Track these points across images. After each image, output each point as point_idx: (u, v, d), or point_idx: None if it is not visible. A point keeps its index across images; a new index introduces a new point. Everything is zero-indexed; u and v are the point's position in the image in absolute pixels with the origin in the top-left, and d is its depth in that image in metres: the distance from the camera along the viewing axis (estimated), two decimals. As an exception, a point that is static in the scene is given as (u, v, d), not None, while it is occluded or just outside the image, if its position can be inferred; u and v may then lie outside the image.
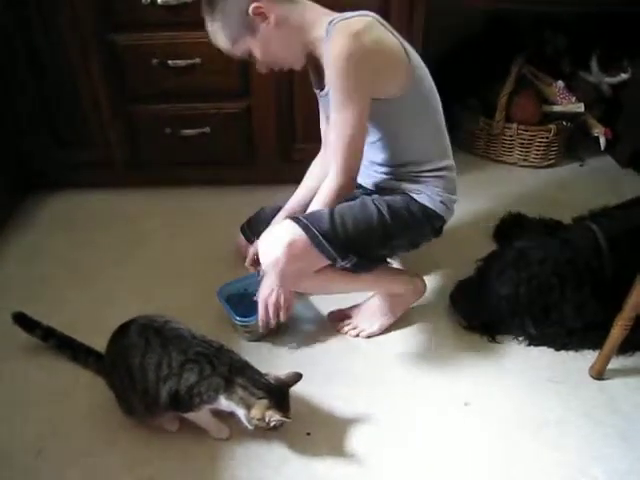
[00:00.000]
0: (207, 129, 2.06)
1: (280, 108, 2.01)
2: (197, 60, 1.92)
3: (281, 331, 1.62)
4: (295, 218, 1.39)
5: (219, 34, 1.34)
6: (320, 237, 1.35)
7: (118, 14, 1.87)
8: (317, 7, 1.39)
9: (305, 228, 1.35)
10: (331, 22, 1.31)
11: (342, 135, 1.35)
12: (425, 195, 1.48)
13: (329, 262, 1.40)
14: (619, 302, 1.39)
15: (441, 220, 1.53)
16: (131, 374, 1.23)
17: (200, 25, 1.81)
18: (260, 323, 1.46)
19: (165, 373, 1.21)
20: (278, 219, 1.60)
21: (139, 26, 1.89)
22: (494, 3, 2.03)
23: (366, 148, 1.42)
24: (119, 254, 1.94)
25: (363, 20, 1.31)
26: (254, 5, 1.28)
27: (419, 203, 1.47)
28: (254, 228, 1.70)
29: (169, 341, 1.24)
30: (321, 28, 1.32)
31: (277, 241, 1.36)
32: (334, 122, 1.36)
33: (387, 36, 1.34)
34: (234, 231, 1.80)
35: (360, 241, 1.40)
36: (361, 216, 1.40)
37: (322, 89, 1.45)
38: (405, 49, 1.37)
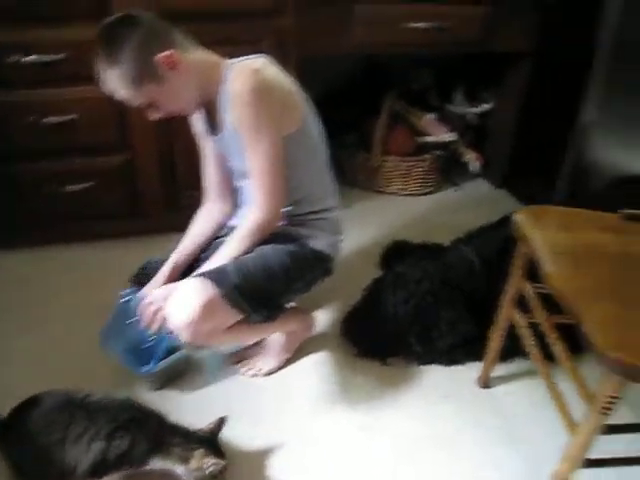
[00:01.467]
0: (90, 184, 2.04)
1: (162, 157, 2.03)
2: (74, 116, 1.91)
3: (183, 376, 1.62)
4: (202, 275, 1.35)
5: (118, 82, 1.28)
6: (234, 293, 1.33)
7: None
8: (212, 54, 1.41)
9: (218, 285, 1.32)
10: (227, 66, 1.35)
11: (262, 168, 1.36)
12: (315, 239, 1.52)
13: (242, 316, 1.39)
14: (493, 315, 1.49)
15: (331, 260, 1.59)
16: (47, 450, 1.18)
17: (76, 80, 1.84)
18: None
19: (90, 442, 1.17)
20: (166, 272, 1.54)
21: (11, 84, 1.86)
22: (355, 49, 2.15)
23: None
24: (6, 316, 1.86)
25: (259, 60, 1.37)
26: (163, 54, 1.27)
27: (311, 247, 1.51)
28: (143, 279, 1.68)
29: (95, 412, 1.20)
30: (218, 73, 1.35)
31: (190, 302, 1.30)
32: (251, 159, 1.36)
33: (282, 75, 1.40)
34: (125, 284, 1.78)
35: (268, 291, 1.42)
36: (265, 266, 1.40)
37: (216, 133, 1.46)
38: (298, 90, 1.44)
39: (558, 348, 1.14)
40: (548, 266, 1.10)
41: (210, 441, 1.25)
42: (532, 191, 2.56)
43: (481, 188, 2.77)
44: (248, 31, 1.91)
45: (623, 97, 2.14)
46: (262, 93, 1.30)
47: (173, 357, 1.55)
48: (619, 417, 1.16)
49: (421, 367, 1.68)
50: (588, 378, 1.06)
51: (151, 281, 1.53)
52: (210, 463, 1.20)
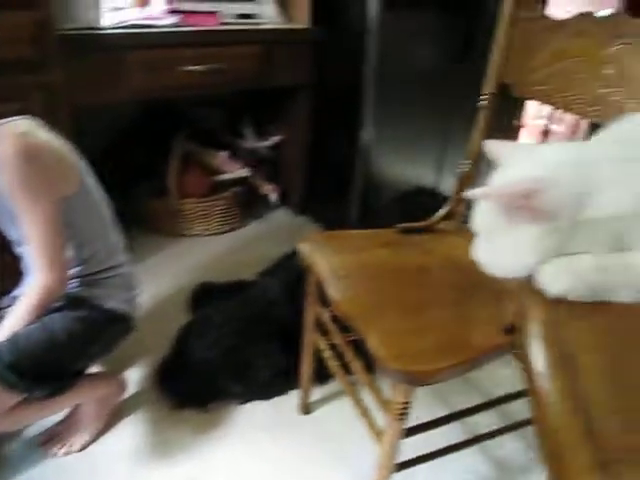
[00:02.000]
0: None
1: None
2: None
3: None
4: None
5: None
6: (7, 373, 1.21)
7: None
8: None
9: None
10: None
11: (39, 235, 1.27)
12: (108, 297, 1.44)
13: (22, 397, 1.27)
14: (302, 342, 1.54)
15: (129, 318, 1.52)
16: None
17: None
18: None
19: None
20: None
21: None
22: (134, 96, 2.12)
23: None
24: None
25: (24, 122, 1.29)
26: None
27: (104, 307, 1.43)
28: None
29: None
30: None
31: None
32: (28, 225, 1.27)
33: (52, 137, 1.33)
34: None
35: (52, 364, 1.31)
36: (46, 338, 1.30)
37: None
38: (71, 151, 1.37)
39: (355, 365, 1.20)
40: (332, 291, 1.15)
41: None
42: (329, 214, 2.71)
43: (283, 218, 2.86)
44: (13, 87, 1.79)
45: (392, 117, 2.36)
46: (30, 157, 1.23)
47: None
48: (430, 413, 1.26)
49: (243, 406, 1.68)
50: (386, 389, 1.13)
51: None
52: None
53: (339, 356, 1.34)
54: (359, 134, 2.39)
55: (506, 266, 0.56)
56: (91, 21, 1.99)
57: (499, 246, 0.57)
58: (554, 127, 3.47)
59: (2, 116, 1.33)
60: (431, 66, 2.41)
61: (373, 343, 1.00)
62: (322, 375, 1.65)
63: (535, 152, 0.59)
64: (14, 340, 1.26)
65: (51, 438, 1.54)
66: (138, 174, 2.57)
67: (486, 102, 1.36)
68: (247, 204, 2.79)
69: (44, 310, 1.33)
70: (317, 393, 1.72)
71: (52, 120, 1.86)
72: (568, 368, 0.41)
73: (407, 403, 1.03)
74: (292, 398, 1.70)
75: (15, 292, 1.51)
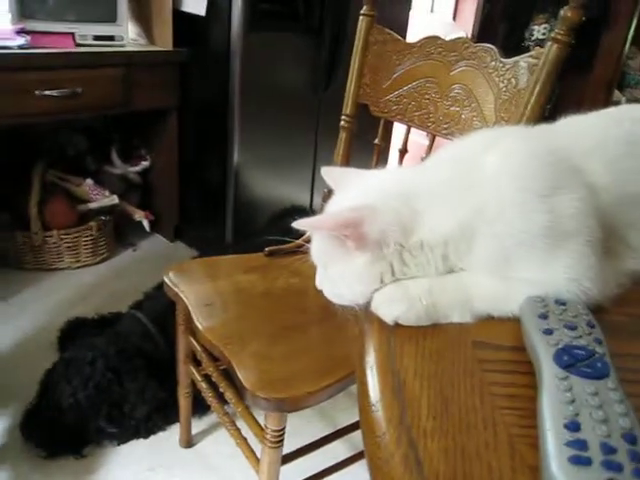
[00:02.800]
0: None
1: None
2: None
3: None
4: None
5: None
6: None
7: None
8: None
9: None
10: None
11: None
12: None
13: None
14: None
15: None
16: None
17: None
18: None
19: None
20: None
21: None
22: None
23: None
24: None
25: None
26: None
27: None
28: None
29: None
30: None
31: None
32: None
33: None
34: None
35: None
36: None
37: None
38: None
39: (228, 394, 1.18)
40: (197, 320, 1.12)
41: None
42: (204, 238, 2.66)
43: (157, 244, 2.77)
44: None
45: (261, 138, 2.37)
46: None
47: None
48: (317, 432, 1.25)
49: (121, 447, 1.59)
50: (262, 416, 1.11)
51: None
52: None
53: (214, 386, 1.30)
54: (228, 155, 2.37)
55: (345, 295, 0.56)
56: None
57: (335, 275, 0.57)
58: (422, 142, 3.64)
59: None
60: (298, 87, 2.45)
61: (240, 372, 0.98)
62: (202, 406, 1.60)
63: (367, 179, 0.60)
64: None
65: None
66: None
67: (345, 122, 1.39)
68: (118, 232, 2.68)
69: None
70: (199, 425, 1.67)
71: None
72: (397, 396, 0.41)
73: (281, 430, 1.01)
74: (173, 433, 1.64)
75: None
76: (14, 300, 2.21)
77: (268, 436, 1.02)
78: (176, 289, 1.23)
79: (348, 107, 1.38)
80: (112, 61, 2.24)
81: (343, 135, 1.39)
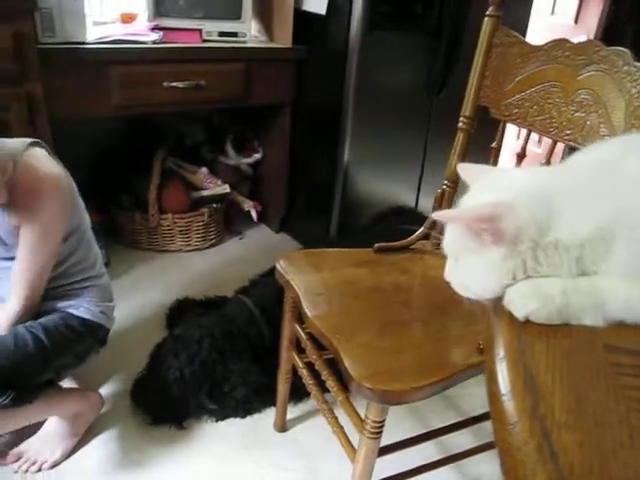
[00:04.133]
0: None
1: None
2: None
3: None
4: None
5: None
6: None
7: None
8: None
9: None
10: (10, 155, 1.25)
11: (35, 266, 1.32)
12: (82, 308, 1.45)
13: None
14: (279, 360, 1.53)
15: (103, 329, 1.52)
16: None
17: None
18: None
19: None
20: None
21: None
22: (115, 111, 2.12)
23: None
24: None
25: (42, 152, 1.32)
26: None
27: (78, 317, 1.44)
28: None
29: None
30: None
31: None
32: (26, 253, 1.31)
33: (59, 166, 1.35)
34: None
35: (18, 373, 1.29)
36: (15, 347, 1.30)
37: None
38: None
39: (330, 383, 1.21)
40: (308, 308, 1.16)
41: None
42: (309, 232, 2.72)
43: (262, 234, 2.87)
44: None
45: (366, 139, 2.39)
46: (58, 202, 1.30)
47: None
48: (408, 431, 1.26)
49: (218, 423, 1.67)
50: (364, 406, 1.13)
51: None
52: None
53: (315, 374, 1.34)
54: (338, 153, 2.41)
55: (474, 288, 0.57)
56: (75, 35, 1.99)
57: (466, 268, 0.58)
58: (534, 149, 3.54)
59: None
60: (411, 88, 2.44)
61: (347, 362, 1.00)
62: (299, 393, 1.65)
63: (503, 177, 0.61)
64: None
65: (20, 455, 1.52)
66: (119, 189, 2.56)
67: (463, 124, 1.38)
68: (227, 221, 2.79)
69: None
70: (294, 411, 1.71)
71: (31, 132, 1.88)
72: (529, 388, 0.42)
73: (381, 422, 1.03)
74: (268, 416, 1.69)
75: None
76: (128, 277, 2.36)
77: (368, 426, 1.04)
78: (287, 277, 1.27)
79: (467, 109, 1.37)
80: (235, 56, 2.34)
81: (460, 136, 1.39)
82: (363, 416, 1.07)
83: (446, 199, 1.42)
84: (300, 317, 1.36)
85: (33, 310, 1.38)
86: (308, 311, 1.15)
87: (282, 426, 1.65)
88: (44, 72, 1.85)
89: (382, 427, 1.04)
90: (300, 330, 1.35)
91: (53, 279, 1.42)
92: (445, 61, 2.40)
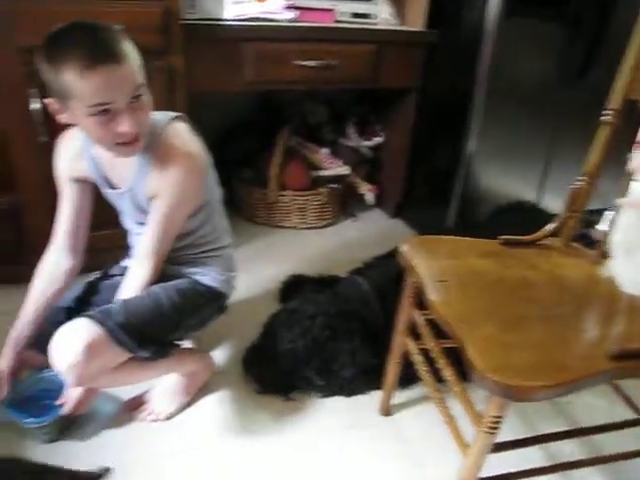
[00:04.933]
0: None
1: (53, 202, 1.95)
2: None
3: (76, 425, 1.54)
4: (87, 315, 1.32)
5: (133, 49, 1.22)
6: (118, 331, 1.30)
7: None
8: None
9: (101, 324, 1.29)
10: (152, 127, 1.32)
11: (163, 235, 1.38)
12: (208, 276, 1.52)
13: (129, 355, 1.35)
14: (390, 344, 1.52)
15: (225, 297, 1.59)
16: None
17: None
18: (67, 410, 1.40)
19: None
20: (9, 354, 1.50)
21: None
22: (247, 86, 2.18)
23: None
24: None
25: (183, 126, 1.38)
26: None
27: (203, 284, 1.51)
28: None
29: None
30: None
31: (73, 343, 1.26)
32: (156, 223, 1.37)
33: (198, 142, 1.41)
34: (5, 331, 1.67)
35: (155, 328, 1.39)
36: (153, 304, 1.39)
37: (112, 187, 1.44)
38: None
39: (447, 372, 1.18)
40: (432, 294, 1.14)
41: None
42: (425, 220, 2.68)
43: (377, 218, 2.86)
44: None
45: (496, 130, 2.31)
46: (193, 178, 1.34)
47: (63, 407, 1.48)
48: (513, 433, 1.23)
49: (324, 399, 1.69)
50: (477, 400, 1.10)
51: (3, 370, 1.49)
52: None
53: (429, 361, 1.32)
54: (463, 143, 2.34)
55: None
56: (213, 12, 2.07)
57: None
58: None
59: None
60: (547, 79, 2.33)
61: (471, 352, 0.98)
62: (405, 379, 1.64)
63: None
64: (125, 304, 1.36)
65: (140, 404, 1.62)
66: (242, 162, 2.64)
67: (609, 118, 1.30)
68: (343, 202, 2.81)
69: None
70: (398, 397, 1.70)
71: (170, 104, 1.97)
72: None
73: (500, 417, 1.00)
74: (373, 398, 1.69)
75: (123, 263, 1.61)
76: (244, 249, 2.43)
77: (486, 421, 1.01)
78: (411, 261, 1.26)
79: (615, 101, 1.29)
80: (366, 38, 2.33)
81: (605, 130, 1.30)
82: (478, 409, 1.05)
83: (583, 195, 1.35)
84: (419, 303, 1.35)
85: (156, 277, 1.44)
86: (431, 297, 1.13)
87: (387, 410, 1.64)
88: (184, 47, 1.93)
89: (500, 423, 1.01)
90: (417, 315, 1.33)
91: (184, 247, 1.50)
92: (585, 53, 2.27)
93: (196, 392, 1.65)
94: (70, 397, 1.39)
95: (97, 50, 1.14)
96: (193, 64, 1.99)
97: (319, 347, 1.63)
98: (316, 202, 2.62)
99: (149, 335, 1.37)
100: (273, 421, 1.60)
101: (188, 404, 1.63)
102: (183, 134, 1.38)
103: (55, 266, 1.55)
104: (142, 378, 1.57)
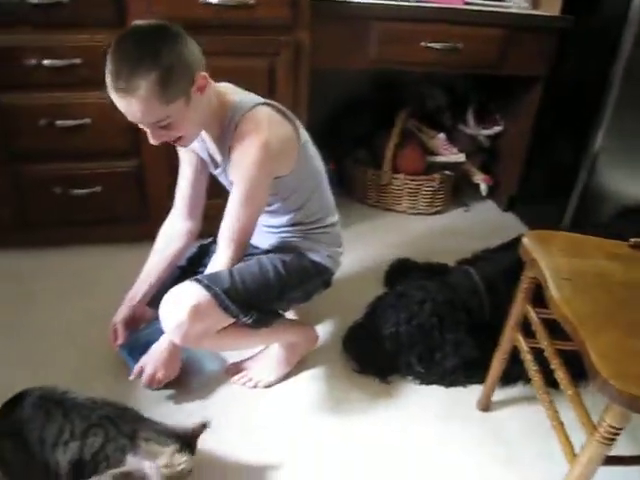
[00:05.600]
0: (98, 188, 2.05)
1: (172, 165, 2.03)
2: (87, 120, 1.92)
3: (181, 379, 1.61)
4: (196, 279, 1.38)
5: (152, 89, 1.16)
6: (223, 296, 1.35)
7: (2, 74, 1.84)
8: (221, 86, 1.40)
9: (207, 288, 1.35)
10: (234, 107, 1.35)
11: (243, 225, 1.41)
12: (315, 251, 1.55)
13: (232, 320, 1.40)
14: (497, 338, 1.48)
15: (330, 272, 1.60)
16: (28, 450, 1.17)
17: (90, 85, 1.85)
18: (143, 381, 1.49)
19: (67, 442, 1.17)
20: (125, 312, 1.61)
21: (24, 86, 1.87)
22: (371, 65, 2.17)
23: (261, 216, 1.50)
24: (4, 316, 1.86)
25: (265, 114, 1.37)
26: (202, 73, 1.25)
27: (310, 259, 1.53)
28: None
29: (70, 410, 1.20)
30: (224, 110, 1.36)
31: (181, 304, 1.34)
32: (236, 213, 1.39)
33: (284, 126, 1.40)
34: (128, 289, 1.77)
35: (259, 297, 1.43)
36: (259, 273, 1.43)
37: (216, 167, 1.50)
38: (296, 128, 1.44)
39: (561, 375, 1.13)
40: (554, 291, 1.09)
41: (186, 440, 1.23)
42: (539, 216, 2.56)
43: (488, 210, 2.77)
44: (267, 44, 1.93)
45: (631, 125, 2.15)
46: (268, 158, 1.33)
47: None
48: (621, 448, 1.15)
49: (421, 386, 1.67)
50: (591, 406, 1.05)
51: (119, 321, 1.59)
52: (182, 460, 1.18)
53: (539, 361, 1.27)
54: (590, 137, 2.21)
55: None
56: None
57: None
58: None
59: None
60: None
61: (594, 355, 0.92)
62: (511, 376, 1.58)
63: None
64: (233, 270, 1.41)
65: (243, 370, 1.67)
66: (357, 142, 2.64)
67: None
68: (456, 190, 2.74)
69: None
70: (498, 394, 1.64)
71: (294, 79, 2.00)
72: None
73: (619, 429, 0.94)
74: (470, 392, 1.65)
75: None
76: (352, 229, 2.43)
77: (602, 430, 0.95)
78: (534, 254, 1.21)
79: None
80: (496, 21, 2.24)
81: None
82: (592, 416, 0.99)
83: None
84: (534, 299, 1.29)
85: (239, 260, 1.45)
86: (553, 294, 1.08)
87: (486, 406, 1.60)
88: (311, 22, 1.94)
89: (618, 434, 0.95)
90: (532, 312, 1.28)
91: (293, 224, 1.53)
92: None
93: (296, 363, 1.68)
94: (146, 371, 1.48)
95: (115, 76, 1.17)
96: (318, 40, 1.99)
97: (424, 334, 1.61)
98: (428, 188, 2.57)
99: (253, 303, 1.41)
100: (367, 402, 1.60)
101: (287, 375, 1.66)
102: (262, 121, 1.35)
103: (174, 229, 1.63)
104: (244, 345, 1.62)
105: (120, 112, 1.25)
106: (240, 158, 1.34)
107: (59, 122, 1.91)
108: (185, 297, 1.34)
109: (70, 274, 2.07)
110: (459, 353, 1.60)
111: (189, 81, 1.22)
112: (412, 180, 2.54)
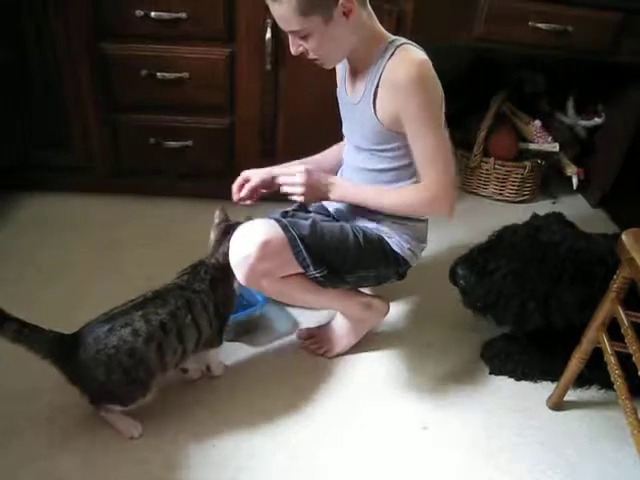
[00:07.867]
0: (190, 142, 2.09)
1: (263, 125, 2.05)
2: (185, 74, 1.96)
3: (252, 333, 1.67)
4: (276, 219, 1.40)
5: (290, 14, 1.23)
6: (298, 240, 1.35)
7: (110, 24, 1.89)
8: (377, 22, 1.40)
9: (285, 229, 1.36)
10: (392, 41, 1.36)
11: (434, 150, 1.38)
12: (395, 240, 1.52)
13: (300, 269, 1.40)
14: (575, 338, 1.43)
15: (406, 265, 1.58)
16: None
17: (193, 40, 1.88)
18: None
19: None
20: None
21: (130, 37, 1.92)
22: (474, 42, 2.09)
23: (359, 175, 1.50)
24: (90, 258, 1.94)
25: (422, 52, 1.38)
26: None
27: (390, 247, 1.52)
28: None
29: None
30: (379, 45, 1.36)
31: (253, 236, 1.34)
32: (422, 145, 1.37)
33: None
34: (207, 241, 1.80)
35: (334, 256, 1.42)
36: (339, 234, 1.44)
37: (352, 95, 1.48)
38: None
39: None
40: (653, 294, 1.03)
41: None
42: (631, 216, 2.42)
43: (577, 205, 2.65)
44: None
45: None
46: (429, 86, 1.33)
47: (247, 312, 1.64)
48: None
49: (493, 377, 1.65)
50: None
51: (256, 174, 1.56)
52: None
53: (623, 366, 1.21)
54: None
55: None
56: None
57: None
58: None
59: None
60: None
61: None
62: (582, 378, 1.52)
63: None
64: (316, 225, 1.42)
65: (309, 337, 1.69)
66: (448, 121, 2.56)
67: None
68: (545, 180, 2.64)
69: (408, 212, 1.50)
70: (569, 394, 1.58)
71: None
72: None
73: None
74: (540, 389, 1.62)
75: None
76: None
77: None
78: (632, 253, 1.15)
79: None
80: (613, 4, 2.09)
81: None
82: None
83: None
84: (624, 300, 1.24)
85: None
86: (652, 297, 1.02)
87: (557, 404, 1.55)
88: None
89: None
90: (623, 315, 1.22)
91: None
92: None
93: (363, 336, 1.68)
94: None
95: None
96: (422, 12, 1.94)
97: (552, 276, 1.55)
98: (517, 175, 2.48)
99: (325, 259, 1.41)
100: (433, 383, 1.60)
101: (354, 347, 1.67)
102: (420, 52, 1.37)
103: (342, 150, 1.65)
104: (305, 300, 1.60)
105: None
106: (398, 87, 1.32)
107: (159, 74, 1.96)
108: (260, 231, 1.35)
109: (154, 224, 2.15)
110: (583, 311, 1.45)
111: (329, 3, 1.23)
112: (501, 165, 2.47)
